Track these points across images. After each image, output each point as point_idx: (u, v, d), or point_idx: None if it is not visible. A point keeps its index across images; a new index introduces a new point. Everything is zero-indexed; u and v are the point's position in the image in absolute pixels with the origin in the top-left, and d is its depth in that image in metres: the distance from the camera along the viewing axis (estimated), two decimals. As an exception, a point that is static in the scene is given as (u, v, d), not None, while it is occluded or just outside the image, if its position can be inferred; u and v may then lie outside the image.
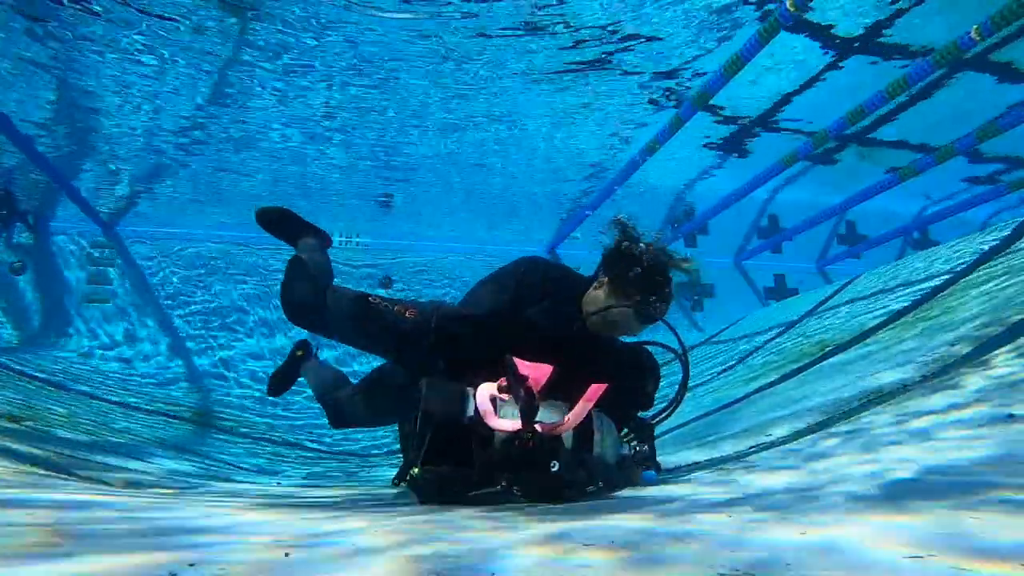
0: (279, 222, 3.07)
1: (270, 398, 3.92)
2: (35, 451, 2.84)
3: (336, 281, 2.85)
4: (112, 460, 3.30)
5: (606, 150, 10.33)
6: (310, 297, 2.68)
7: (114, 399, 6.78)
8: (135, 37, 7.03)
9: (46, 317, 10.08)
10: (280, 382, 3.73)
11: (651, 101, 8.74)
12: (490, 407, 2.03)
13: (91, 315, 10.18)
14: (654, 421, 2.40)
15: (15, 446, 2.79)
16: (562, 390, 2.09)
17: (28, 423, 3.68)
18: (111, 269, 10.59)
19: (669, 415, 2.44)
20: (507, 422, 2.00)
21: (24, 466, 2.31)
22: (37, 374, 6.96)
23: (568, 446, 2.06)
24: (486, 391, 2.07)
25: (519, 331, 2.39)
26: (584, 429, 2.09)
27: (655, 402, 2.54)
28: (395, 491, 2.71)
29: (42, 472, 2.30)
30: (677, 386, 2.46)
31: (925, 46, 7.54)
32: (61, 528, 1.37)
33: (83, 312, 10.18)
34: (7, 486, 1.88)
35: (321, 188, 11.29)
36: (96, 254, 10.64)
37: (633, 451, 2.26)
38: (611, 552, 1.21)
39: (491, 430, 2.00)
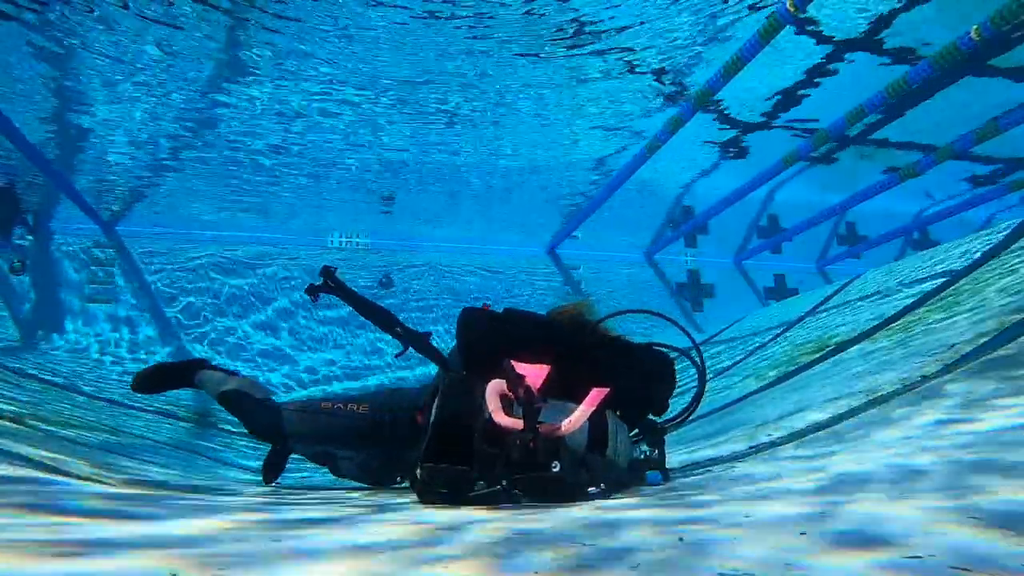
0: (155, 379, 3.17)
1: None
2: (36, 452, 2.84)
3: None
4: (113, 460, 3.30)
5: (607, 149, 10.34)
6: (272, 418, 2.82)
7: (116, 399, 6.78)
8: (136, 36, 7.04)
9: (47, 317, 10.08)
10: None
11: (654, 98, 8.75)
12: (499, 404, 2.04)
13: (93, 315, 10.18)
14: (667, 425, 2.40)
15: (16, 446, 2.80)
16: (571, 392, 2.10)
17: (29, 423, 3.69)
18: (113, 269, 10.58)
19: (684, 421, 2.44)
20: (513, 420, 2.00)
21: (25, 466, 2.31)
22: (38, 374, 6.96)
23: (582, 447, 2.06)
24: (495, 388, 2.08)
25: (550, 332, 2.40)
26: (599, 431, 2.11)
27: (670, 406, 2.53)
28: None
29: (42, 473, 2.31)
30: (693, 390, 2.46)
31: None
32: (62, 529, 1.37)
33: (85, 312, 10.18)
34: (8, 487, 1.88)
35: (321, 188, 11.29)
36: (98, 254, 10.64)
37: (644, 455, 2.27)
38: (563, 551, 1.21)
39: (501, 429, 2.01)
